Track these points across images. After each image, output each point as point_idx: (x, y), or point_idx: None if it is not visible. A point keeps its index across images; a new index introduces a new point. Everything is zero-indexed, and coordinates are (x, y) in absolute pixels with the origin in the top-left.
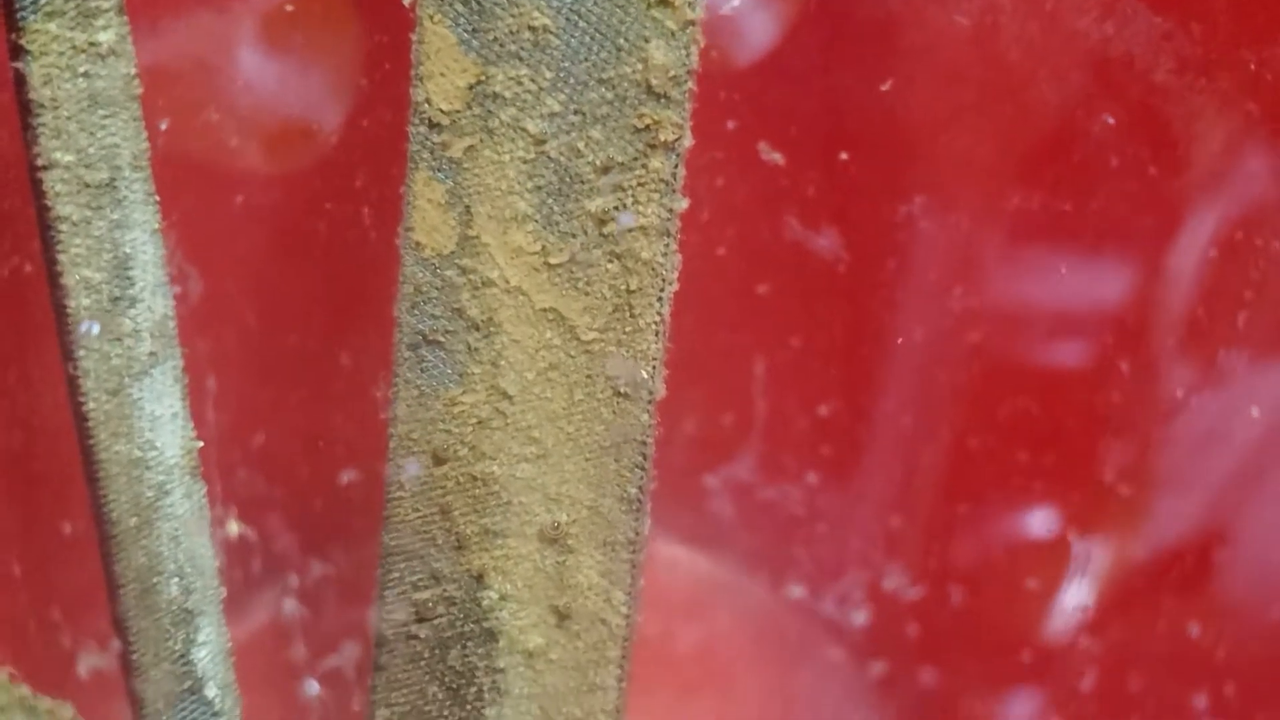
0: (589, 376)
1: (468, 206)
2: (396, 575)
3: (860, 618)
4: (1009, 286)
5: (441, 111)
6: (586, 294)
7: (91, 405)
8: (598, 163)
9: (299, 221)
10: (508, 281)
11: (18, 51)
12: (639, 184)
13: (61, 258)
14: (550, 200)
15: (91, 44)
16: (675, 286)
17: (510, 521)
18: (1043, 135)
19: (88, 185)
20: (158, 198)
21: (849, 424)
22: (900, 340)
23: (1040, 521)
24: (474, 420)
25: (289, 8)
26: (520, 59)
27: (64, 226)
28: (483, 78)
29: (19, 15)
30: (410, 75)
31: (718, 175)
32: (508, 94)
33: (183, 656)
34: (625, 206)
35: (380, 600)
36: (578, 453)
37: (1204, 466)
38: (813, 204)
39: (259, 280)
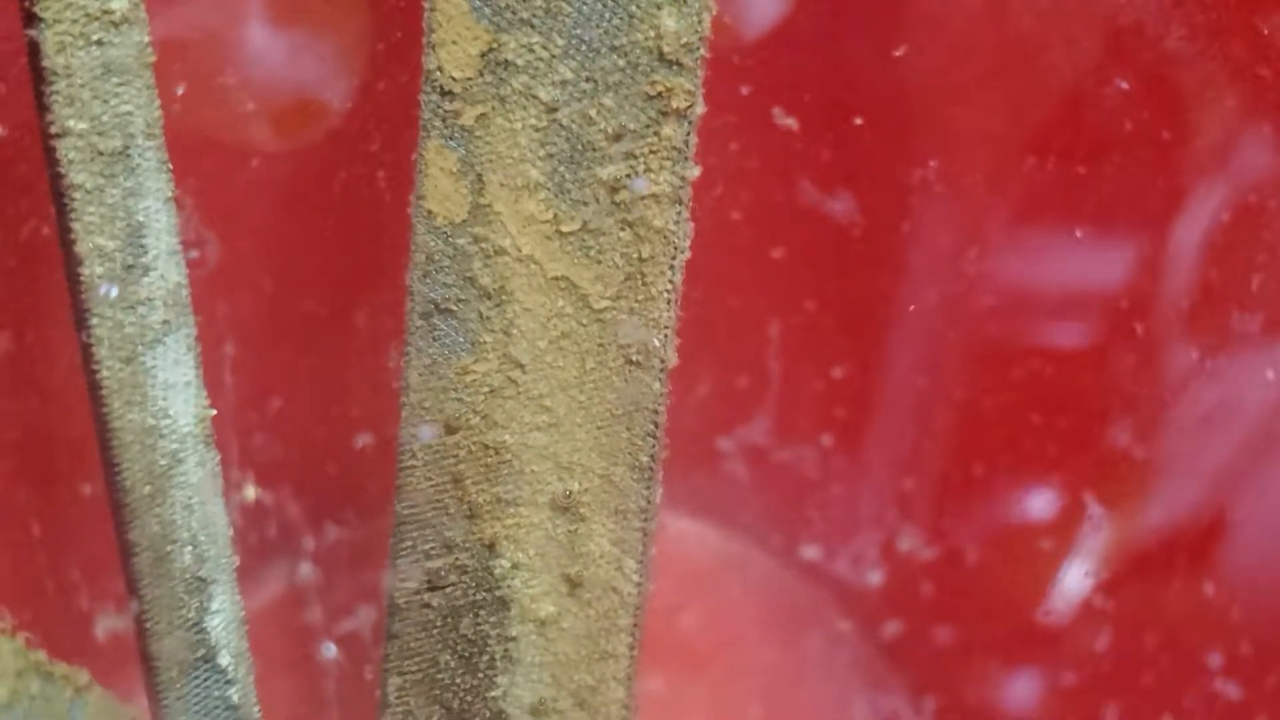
0: (601, 345)
1: (479, 174)
2: (409, 544)
3: (874, 578)
4: (1022, 249)
5: (453, 79)
6: (598, 262)
7: (105, 373)
8: (610, 130)
9: (315, 185)
10: (520, 250)
11: (31, 19)
12: (651, 151)
13: (75, 225)
14: (562, 168)
15: (105, 11)
16: (687, 254)
17: (522, 490)
18: (1054, 101)
19: (101, 153)
20: (170, 166)
21: (862, 386)
22: (913, 307)
23: (1054, 483)
24: (486, 389)
25: None
26: (532, 26)
27: (77, 194)
28: (494, 45)
29: None
30: (422, 42)
31: (731, 140)
32: (519, 61)
33: (196, 624)
34: (637, 174)
35: (393, 568)
36: (589, 421)
37: (1223, 424)
38: (827, 169)
39: (276, 244)
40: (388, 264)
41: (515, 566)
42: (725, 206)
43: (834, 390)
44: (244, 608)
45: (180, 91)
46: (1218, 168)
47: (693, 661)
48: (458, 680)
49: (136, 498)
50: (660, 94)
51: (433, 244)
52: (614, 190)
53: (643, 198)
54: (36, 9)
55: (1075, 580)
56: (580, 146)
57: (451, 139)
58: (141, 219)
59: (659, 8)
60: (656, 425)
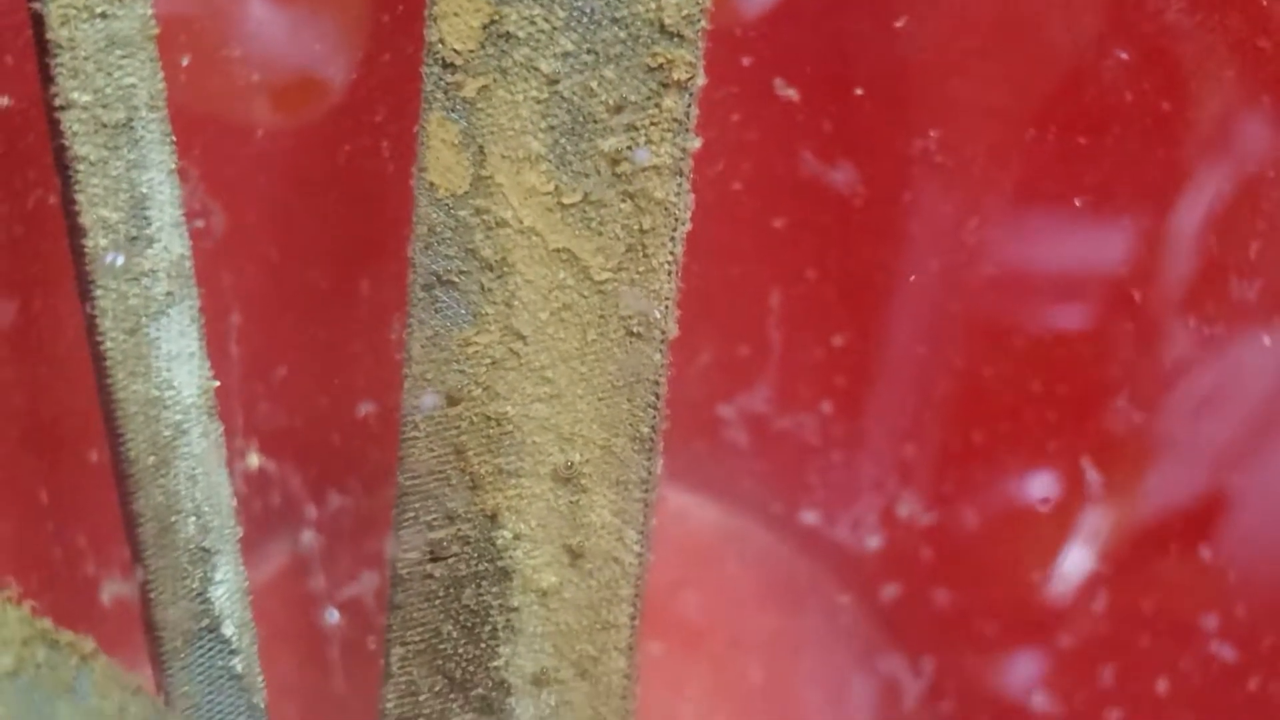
0: (602, 316)
1: (481, 147)
2: (411, 515)
3: (874, 543)
4: (1023, 222)
5: (455, 51)
6: (600, 234)
7: (109, 344)
8: (611, 102)
9: (319, 156)
10: (521, 222)
11: None
12: (652, 123)
13: (79, 197)
14: (563, 140)
15: None
16: (688, 226)
17: (524, 461)
18: (1054, 73)
19: (105, 125)
20: (174, 138)
21: (863, 354)
22: (913, 277)
23: (1052, 451)
24: (488, 360)
25: None
26: None
27: (81, 166)
28: (496, 17)
29: None
30: (424, 15)
31: (733, 111)
32: (521, 33)
33: (200, 594)
34: (639, 145)
35: (395, 539)
36: (591, 392)
37: (1223, 402)
38: (828, 139)
39: (280, 214)
40: (391, 234)
41: (517, 537)
42: (726, 177)
43: (834, 358)
44: (248, 578)
45: (184, 63)
46: (1218, 142)
47: (693, 634)
48: (460, 650)
49: (141, 468)
50: (661, 66)
51: (435, 216)
52: (615, 162)
53: (644, 169)
54: None
55: (1074, 550)
56: (581, 118)
57: (453, 111)
58: (145, 191)
59: None
60: (657, 397)
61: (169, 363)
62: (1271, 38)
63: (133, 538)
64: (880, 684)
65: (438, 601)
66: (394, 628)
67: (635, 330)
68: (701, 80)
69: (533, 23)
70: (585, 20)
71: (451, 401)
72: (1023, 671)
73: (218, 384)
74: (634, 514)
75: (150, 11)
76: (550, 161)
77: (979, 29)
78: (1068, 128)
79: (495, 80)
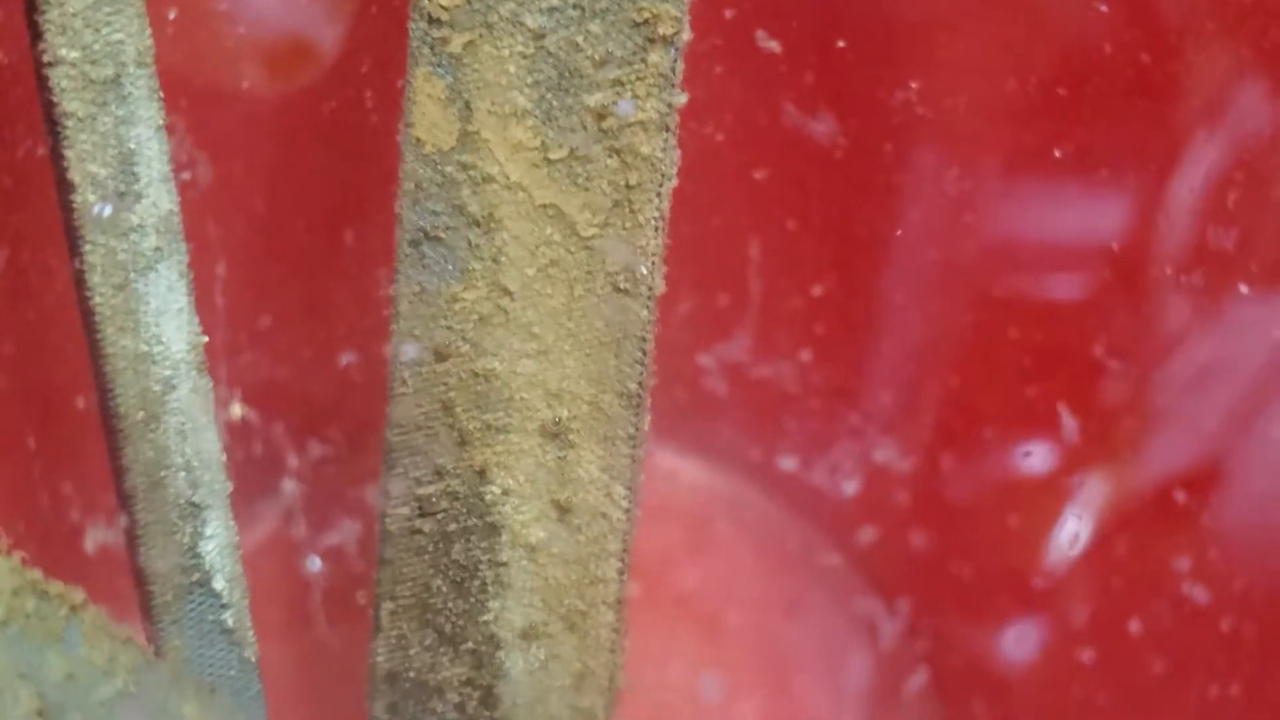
0: (589, 272)
1: (467, 102)
2: (400, 470)
3: (850, 488)
4: (1005, 170)
5: (441, 6)
6: (586, 189)
7: (98, 300)
8: (596, 57)
9: (306, 108)
10: (508, 177)
11: None
12: (638, 78)
13: (68, 153)
14: (549, 95)
15: None
16: (674, 182)
17: (512, 417)
18: (1040, 23)
19: (93, 81)
20: (161, 94)
21: (842, 304)
22: (900, 232)
23: (1031, 394)
24: (475, 317)
25: None
26: None
27: (70, 122)
28: None
29: None
30: None
31: (715, 63)
32: None
33: (190, 549)
34: (624, 100)
35: (384, 495)
36: (578, 348)
37: (1219, 375)
38: (810, 91)
39: (267, 165)
40: (376, 186)
41: (505, 492)
42: (708, 128)
43: (814, 308)
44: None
45: (171, 17)
46: (1215, 110)
47: (682, 597)
48: (449, 605)
49: (130, 423)
50: (647, 20)
51: (421, 172)
52: (601, 117)
53: (630, 125)
54: None
55: (1052, 486)
56: (567, 73)
57: (439, 66)
58: (133, 146)
59: None
60: (644, 353)
61: (157, 318)
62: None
63: (123, 492)
64: (858, 625)
65: (427, 557)
66: (384, 583)
67: (622, 286)
68: (687, 35)
69: None
70: None
71: (439, 357)
72: (998, 611)
73: (206, 339)
74: (622, 469)
75: None
76: (536, 117)
77: None
78: (1051, 81)
79: (481, 35)
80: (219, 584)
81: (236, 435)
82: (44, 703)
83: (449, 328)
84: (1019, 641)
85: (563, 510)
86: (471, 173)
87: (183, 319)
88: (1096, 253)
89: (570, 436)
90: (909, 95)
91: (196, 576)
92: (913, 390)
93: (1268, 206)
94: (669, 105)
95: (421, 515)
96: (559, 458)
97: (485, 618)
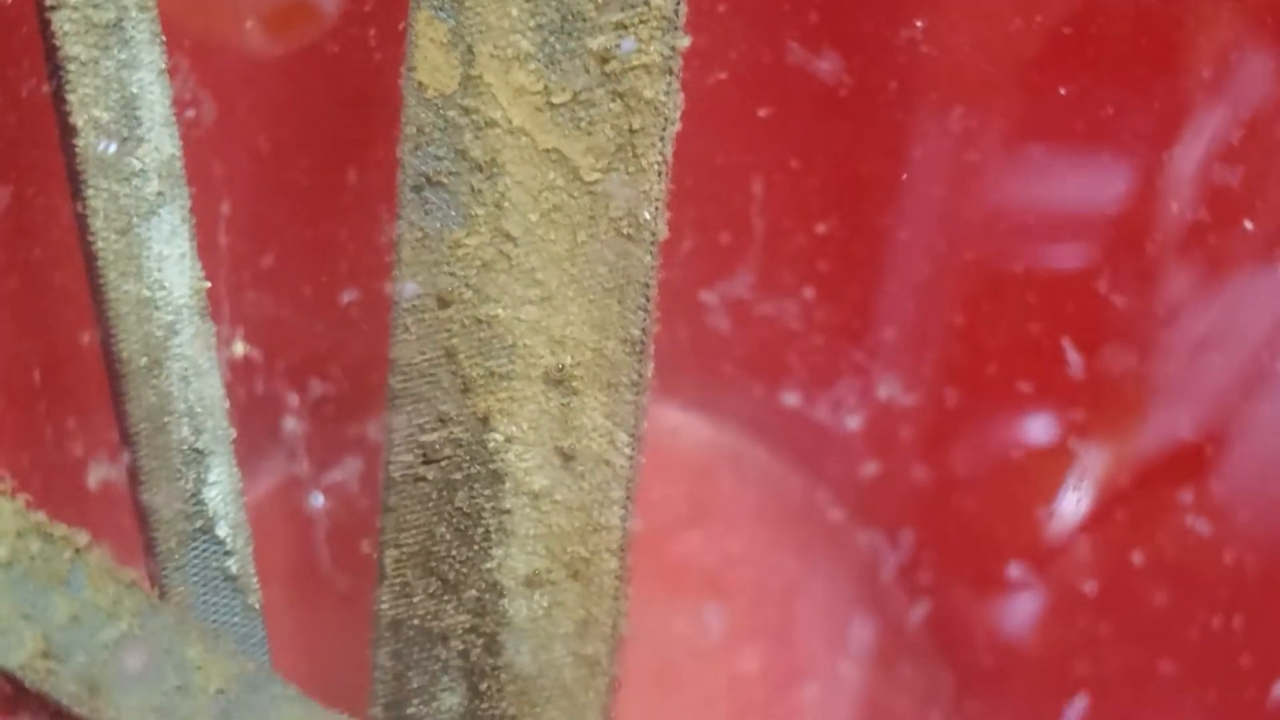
0: (592, 218)
1: (470, 46)
2: (404, 418)
3: (853, 423)
4: (1009, 109)
5: None
6: (589, 134)
7: (101, 244)
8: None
9: (309, 46)
10: (510, 122)
11: None
12: (640, 21)
13: (70, 98)
14: (552, 38)
15: None
16: (678, 126)
17: (515, 364)
18: None
19: (95, 25)
20: (164, 38)
21: (846, 240)
22: (905, 175)
23: (1038, 330)
24: (478, 263)
25: None
26: None
27: (72, 66)
28: None
29: None
30: None
31: (719, 1)
32: None
33: (194, 496)
34: (626, 43)
35: (388, 443)
36: (581, 295)
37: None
38: (814, 28)
39: (271, 104)
40: (378, 124)
41: (509, 440)
42: (712, 66)
43: (817, 245)
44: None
45: None
46: (1218, 79)
47: (685, 552)
48: (453, 553)
49: (133, 369)
50: None
51: (423, 116)
52: (604, 61)
53: (633, 68)
54: None
55: (1047, 420)
56: (570, 16)
57: (441, 10)
58: (135, 91)
59: None
60: (648, 299)
61: (160, 263)
62: None
63: (126, 438)
64: (860, 576)
65: (431, 504)
66: (387, 530)
67: (625, 231)
68: None
69: None
70: None
71: (442, 304)
72: (1001, 543)
73: (209, 285)
74: (625, 416)
75: None
76: (539, 60)
77: None
78: (1057, 20)
79: None
80: (223, 530)
81: (238, 373)
82: (48, 644)
83: (451, 274)
84: (1021, 574)
85: (566, 457)
86: (474, 117)
87: (185, 264)
88: (1098, 209)
89: (573, 383)
90: (914, 34)
91: (200, 523)
92: (916, 327)
93: (1272, 175)
94: (672, 48)
95: (425, 462)
96: (562, 404)
97: (489, 565)
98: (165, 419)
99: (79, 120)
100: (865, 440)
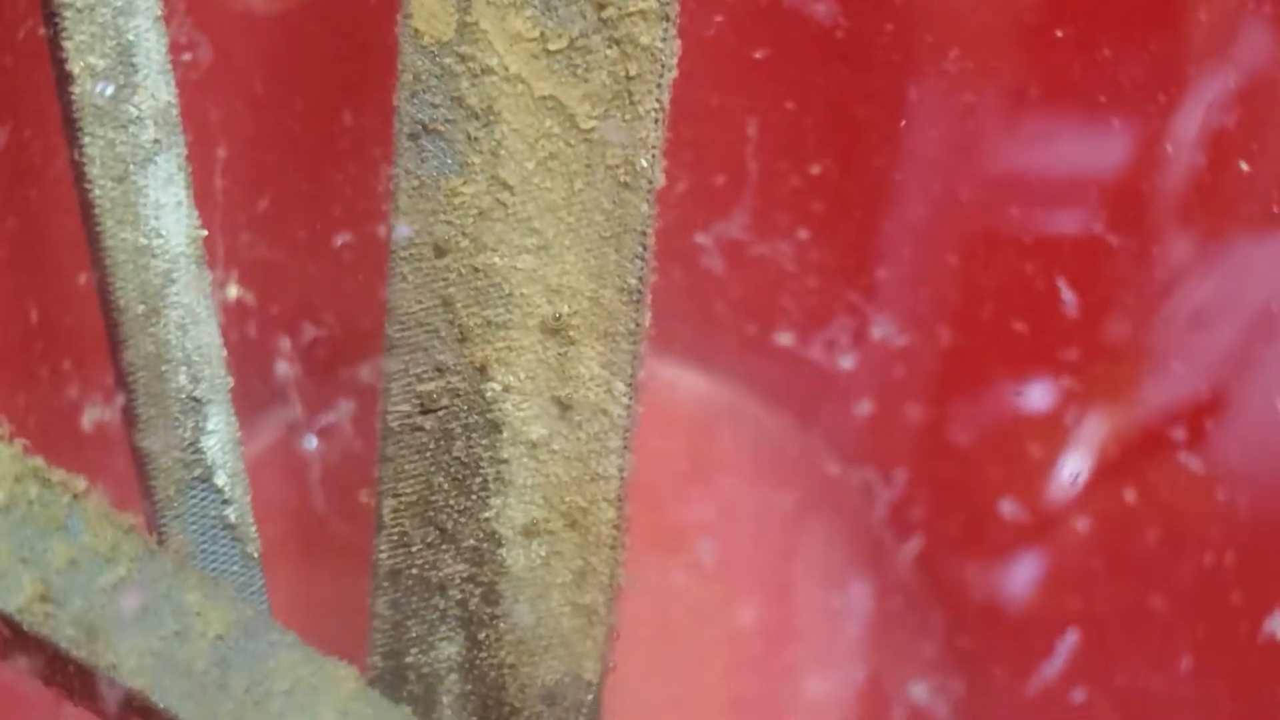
0: (589, 166)
1: None
2: (401, 368)
3: (847, 362)
4: (1006, 51)
5: None
6: (586, 81)
7: (97, 192)
8: None
9: None
10: (507, 69)
11: None
12: None
13: (66, 45)
14: None
15: None
16: (674, 73)
17: (512, 313)
18: None
19: None
20: None
21: (841, 182)
22: (904, 122)
23: (1033, 270)
24: (475, 211)
25: None
26: None
27: (68, 14)
28: None
29: None
30: None
31: None
32: None
33: (192, 445)
34: None
35: (385, 392)
36: (578, 243)
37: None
38: None
39: (266, 45)
40: (376, 65)
41: (506, 389)
42: (707, 8)
43: (812, 186)
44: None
45: None
46: (1218, 46)
47: (682, 505)
48: (451, 502)
49: (131, 317)
50: None
51: (420, 63)
52: (600, 7)
53: (629, 14)
54: None
55: (1040, 363)
56: None
57: None
58: (132, 38)
59: None
60: (644, 247)
61: (156, 210)
62: None
63: (124, 386)
64: (856, 509)
65: (428, 454)
66: (385, 480)
67: (622, 180)
68: None
69: None
70: None
71: (439, 252)
72: (994, 479)
73: (205, 233)
74: (622, 366)
75: None
76: (536, 6)
77: None
78: None
79: None
80: (221, 479)
81: (231, 316)
82: (46, 588)
83: (448, 222)
84: (1014, 511)
85: (563, 407)
86: (470, 64)
87: (181, 212)
88: (1099, 173)
89: (570, 332)
90: None
91: (198, 471)
92: (911, 268)
93: (1272, 143)
94: None
95: (423, 412)
96: (559, 354)
97: (486, 515)
98: (163, 367)
99: (75, 67)
100: (859, 380)
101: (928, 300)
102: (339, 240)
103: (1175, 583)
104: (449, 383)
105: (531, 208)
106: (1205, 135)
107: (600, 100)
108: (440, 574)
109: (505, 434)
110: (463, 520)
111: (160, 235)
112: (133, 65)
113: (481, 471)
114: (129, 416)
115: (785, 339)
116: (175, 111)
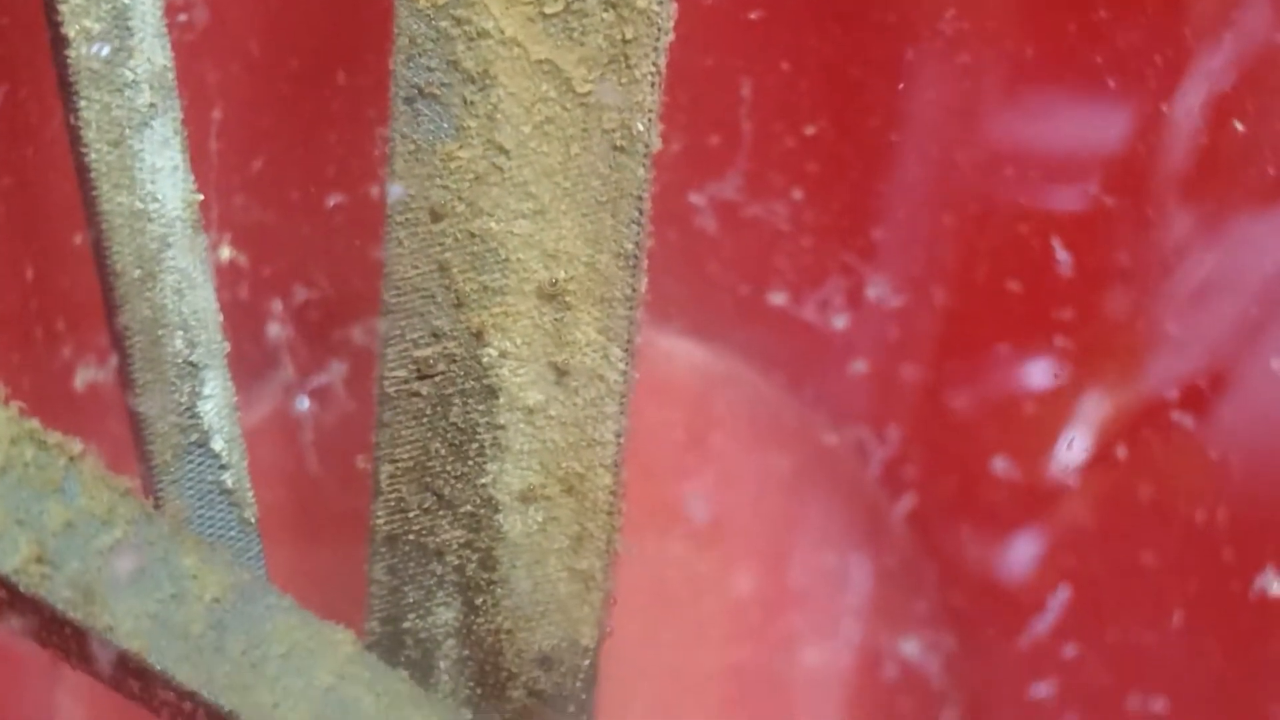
0: (585, 130)
1: None
2: (397, 333)
3: (841, 322)
4: (1003, 8)
5: None
6: (582, 44)
7: (93, 156)
8: None
9: None
10: (503, 32)
11: None
12: None
13: (62, 8)
14: None
15: None
16: (671, 36)
17: (509, 278)
18: None
19: None
20: None
21: (835, 142)
22: (902, 85)
23: (1028, 230)
24: (471, 175)
25: None
26: None
27: None
28: None
29: None
30: None
31: None
32: None
33: (189, 409)
34: None
35: (382, 358)
36: (575, 208)
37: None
38: None
39: (261, 6)
40: (370, 24)
41: (503, 355)
42: None
43: (806, 147)
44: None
45: None
46: (1221, 22)
47: (680, 475)
48: (448, 468)
49: (127, 281)
50: None
51: (415, 27)
52: None
53: None
54: None
55: (1034, 324)
56: None
57: None
58: (127, 1)
59: None
60: (641, 212)
61: (153, 175)
62: None
63: (121, 351)
64: (847, 451)
65: (425, 419)
66: (382, 445)
67: (618, 144)
68: None
69: None
70: None
71: (435, 217)
72: (987, 437)
73: (201, 198)
74: (619, 331)
75: None
76: None
77: None
78: None
79: None
80: (218, 444)
81: (224, 278)
82: (42, 549)
83: (444, 187)
84: (1006, 468)
85: (560, 372)
86: (466, 28)
87: (178, 176)
88: (1096, 136)
89: (567, 298)
90: None
91: (195, 436)
92: (906, 229)
93: (1273, 120)
94: None
95: (419, 378)
96: (556, 319)
97: (483, 480)
98: (159, 331)
99: (70, 30)
100: (853, 340)
101: (923, 261)
102: (331, 201)
103: (1167, 540)
104: (445, 348)
105: (528, 172)
106: (1208, 105)
107: (596, 64)
108: (437, 539)
109: (502, 399)
110: (459, 486)
111: (156, 199)
112: (128, 28)
113: (478, 437)
114: (125, 380)
115: (779, 299)
116: (171, 75)
